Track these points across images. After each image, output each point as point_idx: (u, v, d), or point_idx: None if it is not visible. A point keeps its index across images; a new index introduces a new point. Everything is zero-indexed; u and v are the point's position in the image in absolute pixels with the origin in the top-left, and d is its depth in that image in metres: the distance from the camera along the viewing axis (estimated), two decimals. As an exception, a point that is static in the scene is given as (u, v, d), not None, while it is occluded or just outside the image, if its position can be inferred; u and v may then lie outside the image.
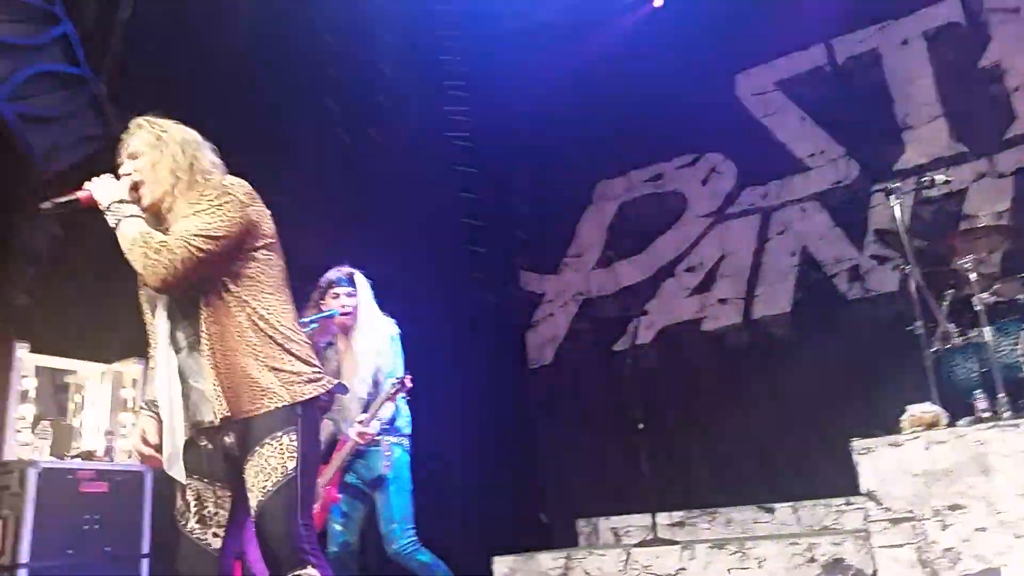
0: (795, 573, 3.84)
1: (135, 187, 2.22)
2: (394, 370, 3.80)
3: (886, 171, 5.35)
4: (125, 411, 4.41)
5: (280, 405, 2.05)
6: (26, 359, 4.11)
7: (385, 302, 4.11)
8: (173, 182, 2.20)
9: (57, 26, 4.30)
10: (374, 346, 3.83)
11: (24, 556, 3.53)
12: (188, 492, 2.12)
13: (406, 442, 3.83)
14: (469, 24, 6.70)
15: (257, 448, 2.02)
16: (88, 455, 4.11)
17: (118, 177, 2.26)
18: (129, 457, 4.28)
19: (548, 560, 4.55)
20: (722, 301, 5.93)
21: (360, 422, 3.65)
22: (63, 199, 2.23)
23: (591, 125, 6.77)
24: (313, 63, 5.87)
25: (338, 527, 3.70)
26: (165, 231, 2.15)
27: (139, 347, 4.52)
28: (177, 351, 2.14)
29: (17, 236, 4.53)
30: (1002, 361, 3.85)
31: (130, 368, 4.47)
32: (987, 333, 3.82)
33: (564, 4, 6.59)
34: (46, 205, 2.23)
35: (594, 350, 6.45)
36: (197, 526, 2.09)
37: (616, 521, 5.57)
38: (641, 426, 4.88)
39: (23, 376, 4.07)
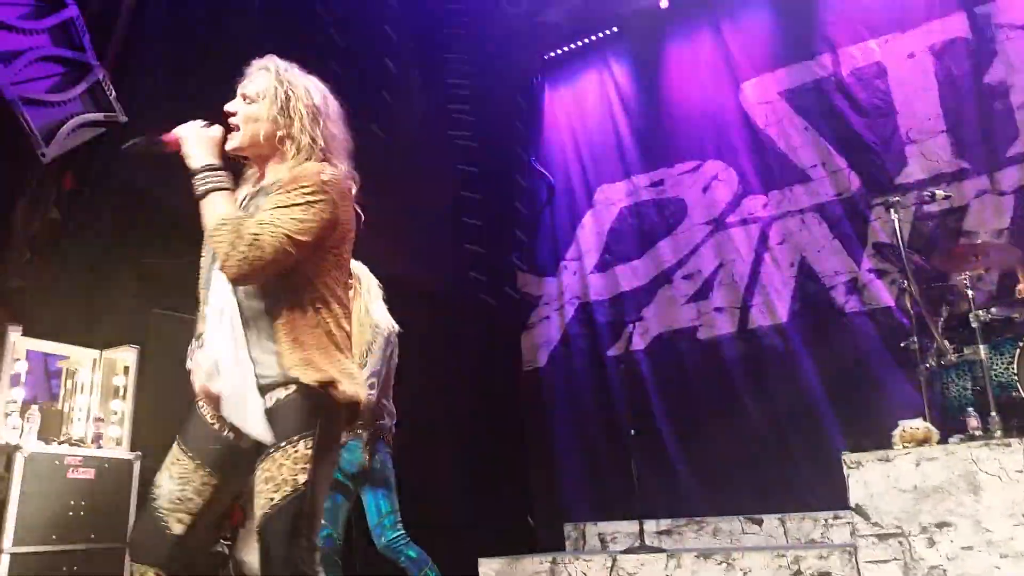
0: (780, 585, 3.83)
1: (234, 127, 2.11)
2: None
3: (887, 185, 5.35)
4: (116, 398, 4.40)
5: (303, 407, 1.90)
6: (18, 342, 4.09)
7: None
8: (279, 146, 2.09)
9: (63, 10, 4.29)
10: (364, 340, 3.77)
11: (7, 541, 3.52)
12: (176, 467, 1.97)
13: (388, 436, 3.79)
14: (475, 23, 6.69)
15: (271, 451, 1.86)
16: (77, 441, 4.09)
17: (225, 117, 2.11)
18: (117, 444, 4.27)
19: (534, 563, 4.54)
20: (718, 310, 5.92)
21: None
22: (148, 141, 2.06)
23: (593, 128, 6.81)
24: (318, 56, 5.86)
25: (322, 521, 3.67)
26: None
27: (133, 334, 4.55)
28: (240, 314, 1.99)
29: (14, 219, 4.53)
30: (996, 380, 3.84)
31: (123, 355, 4.46)
32: (982, 351, 3.81)
33: (572, 7, 6.59)
34: (128, 144, 2.05)
35: (588, 354, 6.44)
36: (165, 504, 1.93)
37: (603, 527, 5.56)
38: (633, 432, 4.88)
39: (15, 359, 4.05)
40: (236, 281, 1.94)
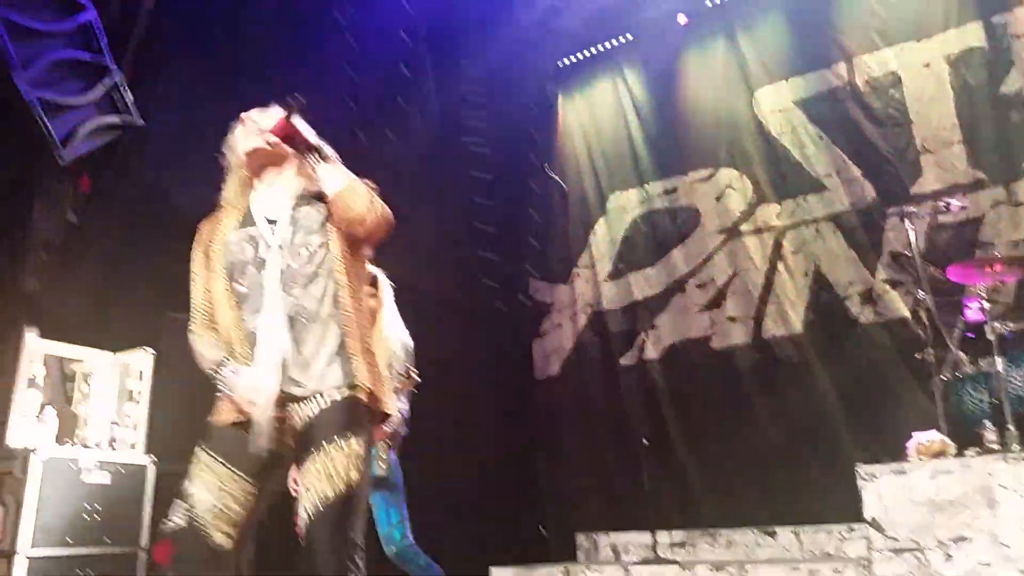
0: (794, 597, 3.81)
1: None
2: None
3: (902, 195, 5.31)
4: (131, 401, 4.41)
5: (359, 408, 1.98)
6: (35, 345, 4.11)
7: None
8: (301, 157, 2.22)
9: (82, 13, 4.32)
10: (389, 350, 3.80)
11: (23, 544, 3.53)
12: (207, 474, 1.91)
13: (398, 444, 3.81)
14: (490, 29, 6.70)
15: (324, 444, 1.86)
16: (92, 444, 4.10)
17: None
18: (132, 448, 4.28)
19: (546, 573, 4.53)
20: (732, 319, 5.90)
21: None
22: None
23: (606, 135, 6.80)
24: (333, 63, 5.88)
25: None
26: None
27: (148, 337, 4.57)
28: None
29: (31, 222, 4.55)
30: (1013, 392, 3.81)
31: (138, 358, 4.47)
32: (998, 363, 3.78)
33: (586, 14, 6.59)
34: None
35: (601, 363, 6.40)
36: (204, 514, 1.87)
37: (616, 537, 5.52)
38: (646, 442, 4.86)
39: (31, 362, 4.07)
40: (370, 238, 2.09)
